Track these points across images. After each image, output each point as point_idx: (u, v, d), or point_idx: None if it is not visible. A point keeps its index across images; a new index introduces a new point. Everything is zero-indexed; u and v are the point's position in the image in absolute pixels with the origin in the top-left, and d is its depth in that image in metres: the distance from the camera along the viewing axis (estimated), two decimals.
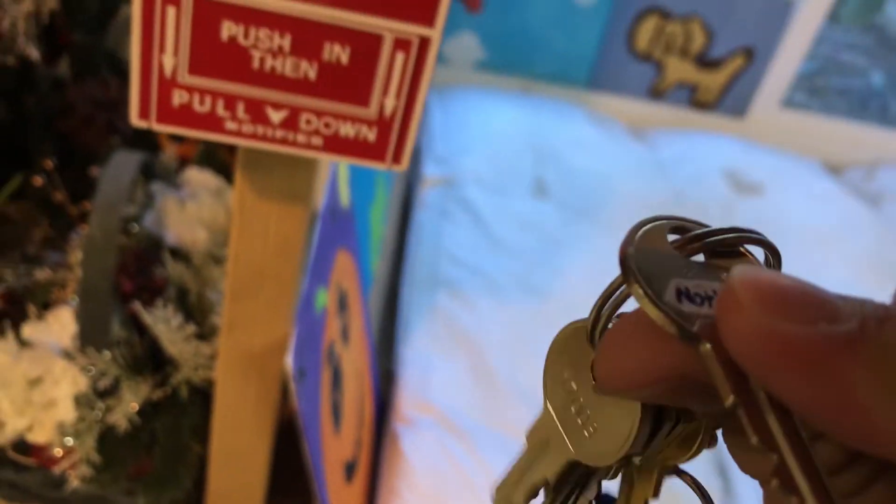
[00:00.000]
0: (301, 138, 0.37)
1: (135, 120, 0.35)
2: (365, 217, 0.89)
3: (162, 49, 0.33)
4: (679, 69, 1.63)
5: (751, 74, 1.64)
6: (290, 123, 0.36)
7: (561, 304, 1.05)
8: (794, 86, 1.68)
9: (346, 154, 0.37)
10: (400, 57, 0.34)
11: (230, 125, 0.36)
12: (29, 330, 0.68)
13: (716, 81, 1.64)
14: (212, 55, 0.34)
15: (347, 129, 0.36)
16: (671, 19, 1.56)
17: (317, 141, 0.37)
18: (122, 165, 0.67)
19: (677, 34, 1.58)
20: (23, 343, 0.68)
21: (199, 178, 0.79)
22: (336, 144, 0.37)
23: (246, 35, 0.33)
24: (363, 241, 0.87)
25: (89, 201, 0.81)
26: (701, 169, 1.45)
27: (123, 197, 0.64)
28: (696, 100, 1.66)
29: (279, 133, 0.36)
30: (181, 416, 0.68)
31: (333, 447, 0.70)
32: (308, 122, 0.36)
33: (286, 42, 0.34)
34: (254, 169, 0.48)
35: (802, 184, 1.49)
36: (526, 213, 1.16)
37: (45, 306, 0.71)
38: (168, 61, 0.34)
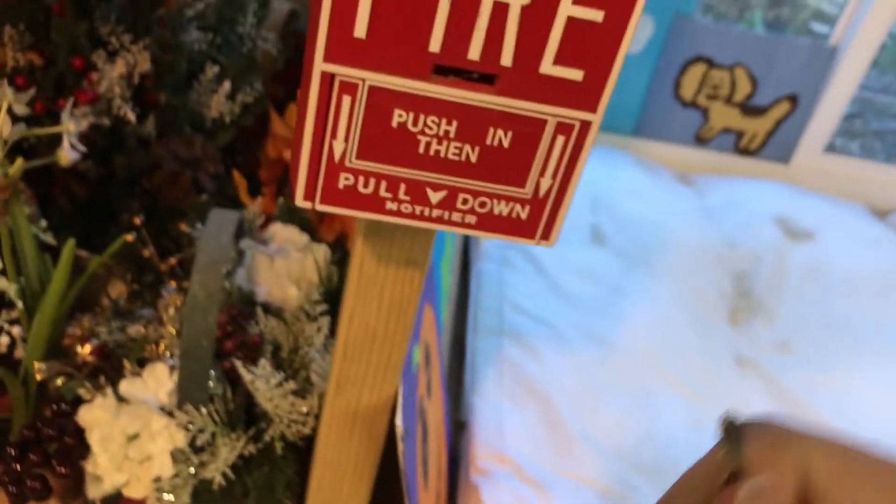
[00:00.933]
0: (456, 217, 0.38)
1: (299, 201, 0.37)
2: (438, 269, 0.91)
3: (334, 135, 0.35)
4: (724, 116, 1.64)
5: (795, 120, 1.65)
6: (448, 203, 0.37)
7: (625, 353, 1.05)
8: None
9: (497, 231, 0.38)
10: (560, 140, 0.36)
11: (390, 205, 0.37)
12: (125, 386, 0.70)
13: (761, 128, 1.66)
14: (381, 141, 0.35)
15: (501, 208, 0.38)
16: (717, 67, 1.58)
17: (470, 219, 0.38)
18: (220, 225, 0.69)
19: (723, 82, 1.60)
20: (120, 399, 0.70)
21: (284, 233, 0.80)
22: (488, 222, 0.38)
23: (415, 122, 0.35)
24: (438, 293, 0.88)
25: (175, 257, 0.83)
26: (751, 215, 1.46)
27: (225, 257, 0.66)
28: (741, 146, 1.67)
29: (436, 212, 0.38)
30: (274, 472, 0.69)
31: (424, 502, 0.71)
32: (465, 201, 0.37)
33: (452, 128, 0.35)
34: (375, 236, 0.49)
35: (852, 229, 1.49)
36: (585, 261, 1.17)
37: (140, 362, 0.72)
38: (338, 147, 0.35)
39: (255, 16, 0.87)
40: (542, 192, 0.37)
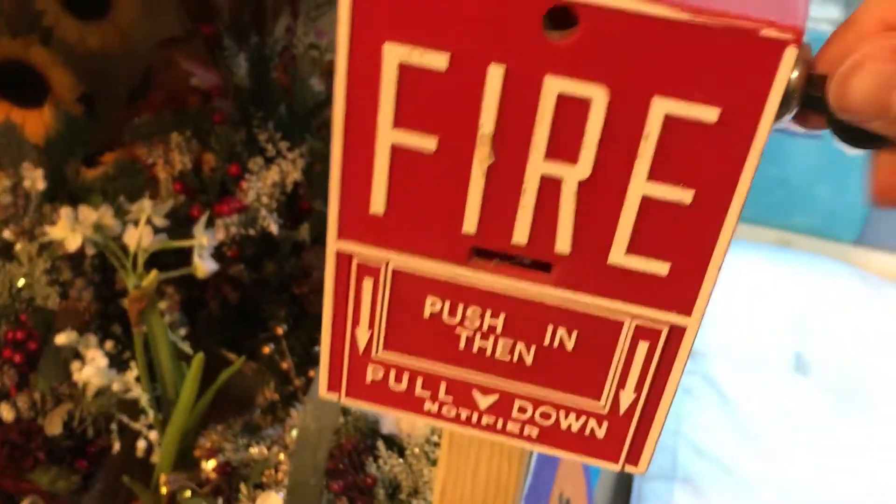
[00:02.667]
0: (512, 426, 0.30)
1: (323, 392, 0.31)
2: None
3: (356, 322, 0.29)
4: None
5: None
6: (501, 409, 0.30)
7: None
8: None
9: (567, 449, 0.30)
10: (643, 347, 0.27)
11: (429, 406, 0.30)
12: None
13: None
14: (412, 331, 0.28)
15: (570, 422, 0.29)
16: None
17: (531, 431, 0.30)
18: None
19: None
20: None
21: None
22: (554, 437, 0.30)
23: (452, 312, 0.28)
24: None
25: (314, 369, 0.80)
26: None
27: None
28: None
29: (486, 419, 0.30)
30: None
31: None
32: (522, 409, 0.29)
33: (499, 322, 0.28)
34: None
35: None
36: (782, 396, 1.02)
37: (258, 486, 0.69)
38: (362, 335, 0.29)
39: None
40: (622, 407, 0.28)
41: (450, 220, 0.26)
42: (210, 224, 0.74)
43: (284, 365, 0.79)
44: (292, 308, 0.85)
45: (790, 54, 0.21)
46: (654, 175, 0.24)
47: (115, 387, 0.72)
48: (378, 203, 0.26)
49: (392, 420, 0.70)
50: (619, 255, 0.25)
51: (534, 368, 0.28)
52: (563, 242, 0.25)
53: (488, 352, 0.28)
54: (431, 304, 0.28)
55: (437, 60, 0.23)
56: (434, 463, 0.65)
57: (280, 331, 0.79)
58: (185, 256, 0.75)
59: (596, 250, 0.25)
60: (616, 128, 0.23)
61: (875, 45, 0.21)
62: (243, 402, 0.87)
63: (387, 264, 0.27)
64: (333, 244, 0.27)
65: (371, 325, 0.29)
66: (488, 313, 0.27)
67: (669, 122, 0.23)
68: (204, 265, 0.69)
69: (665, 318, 0.26)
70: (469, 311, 0.27)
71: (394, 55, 0.23)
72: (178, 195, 0.79)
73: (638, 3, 0.21)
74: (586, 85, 0.23)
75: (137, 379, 0.72)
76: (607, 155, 0.24)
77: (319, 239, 0.85)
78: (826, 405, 1.02)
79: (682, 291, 0.26)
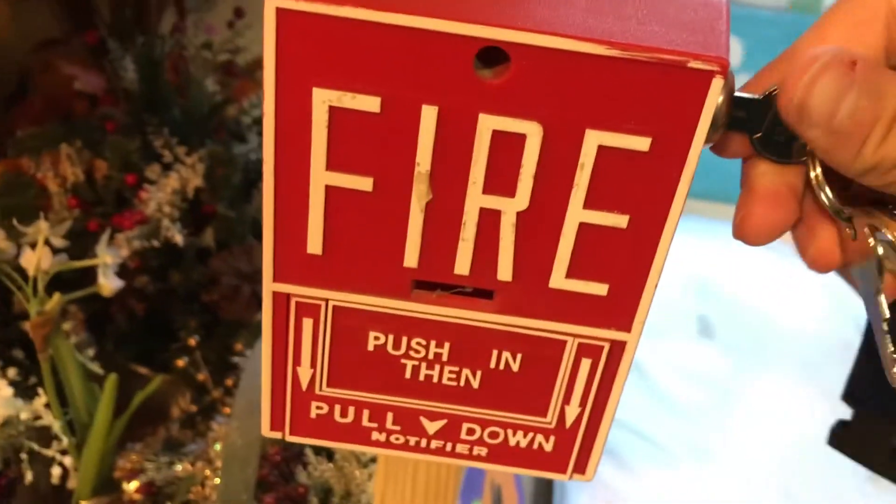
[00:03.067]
0: (461, 448, 0.30)
1: (266, 431, 0.30)
2: None
3: (297, 361, 0.28)
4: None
5: None
6: (449, 433, 0.30)
7: (736, 472, 0.93)
8: None
9: (516, 465, 0.30)
10: (586, 363, 0.28)
11: (377, 436, 0.30)
12: None
13: None
14: (356, 366, 0.28)
15: (518, 439, 0.30)
16: None
17: (480, 451, 0.30)
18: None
19: None
20: None
21: None
22: (503, 454, 0.30)
23: (396, 345, 0.28)
24: None
25: (232, 377, 0.78)
26: None
27: None
28: None
29: (435, 443, 0.30)
30: None
31: None
32: (470, 431, 0.30)
33: (445, 350, 0.28)
34: None
35: None
36: (691, 359, 1.06)
37: None
38: (304, 374, 0.28)
39: None
40: (568, 421, 0.29)
41: (390, 256, 0.26)
42: (111, 237, 0.71)
43: (200, 376, 0.77)
44: (203, 316, 0.83)
45: (717, 84, 0.22)
46: (590, 203, 0.24)
47: (24, 415, 0.69)
48: (315, 244, 0.26)
49: None
50: (559, 279, 0.26)
51: (480, 391, 0.29)
52: (505, 271, 0.26)
53: (434, 379, 0.28)
54: (375, 339, 0.27)
55: (368, 104, 0.23)
56: (365, 465, 0.65)
57: (193, 341, 0.77)
58: (87, 272, 0.72)
59: (537, 276, 0.26)
60: (551, 160, 0.23)
61: (834, 56, 0.22)
62: (158, 417, 0.84)
63: (327, 302, 0.27)
64: (270, 286, 0.27)
65: (313, 364, 0.28)
66: (433, 343, 0.27)
67: (603, 153, 0.23)
68: (109, 284, 0.66)
69: (606, 335, 0.27)
70: (413, 343, 0.27)
71: (323, 99, 0.23)
72: (73, 210, 0.75)
73: (567, 42, 0.21)
74: (520, 122, 0.23)
75: (47, 405, 0.69)
76: (544, 186, 0.24)
77: (225, 244, 0.83)
78: (730, 365, 1.07)
79: (622, 309, 0.26)
